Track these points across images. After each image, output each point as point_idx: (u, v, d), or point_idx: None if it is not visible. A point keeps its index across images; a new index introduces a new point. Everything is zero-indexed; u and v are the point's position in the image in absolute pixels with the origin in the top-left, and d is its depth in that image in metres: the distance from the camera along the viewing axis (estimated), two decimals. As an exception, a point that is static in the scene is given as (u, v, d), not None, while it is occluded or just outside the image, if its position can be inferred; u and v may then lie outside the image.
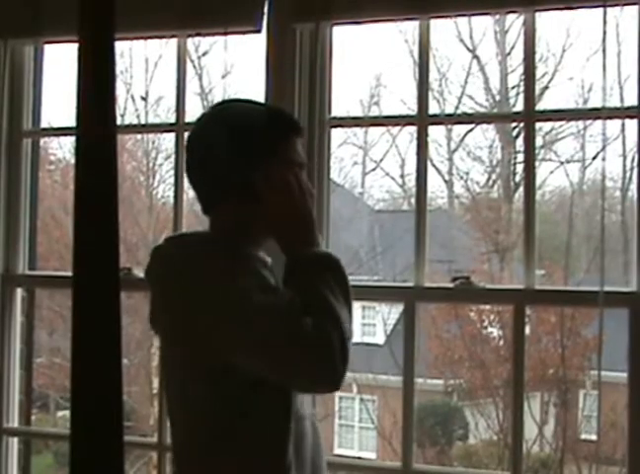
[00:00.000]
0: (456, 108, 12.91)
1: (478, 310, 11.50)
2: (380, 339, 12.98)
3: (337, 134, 13.56)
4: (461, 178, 13.59)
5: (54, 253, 10.48)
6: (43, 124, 3.32)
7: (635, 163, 8.83)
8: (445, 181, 13.73)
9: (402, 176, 14.12)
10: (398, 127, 12.63)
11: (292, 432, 1.80)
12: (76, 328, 0.85)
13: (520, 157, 11.44)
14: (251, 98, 2.00)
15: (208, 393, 1.77)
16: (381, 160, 14.10)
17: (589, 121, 11.57)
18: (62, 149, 13.04)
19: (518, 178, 12.37)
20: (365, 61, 14.89)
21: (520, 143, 11.95)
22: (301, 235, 1.83)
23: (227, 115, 1.91)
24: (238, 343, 1.72)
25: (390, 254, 12.27)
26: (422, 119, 2.70)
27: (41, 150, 7.12)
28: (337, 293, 1.76)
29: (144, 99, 12.45)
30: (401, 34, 13.27)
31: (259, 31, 2.75)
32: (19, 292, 3.19)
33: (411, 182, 13.14)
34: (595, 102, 11.89)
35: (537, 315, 10.94)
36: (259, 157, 1.84)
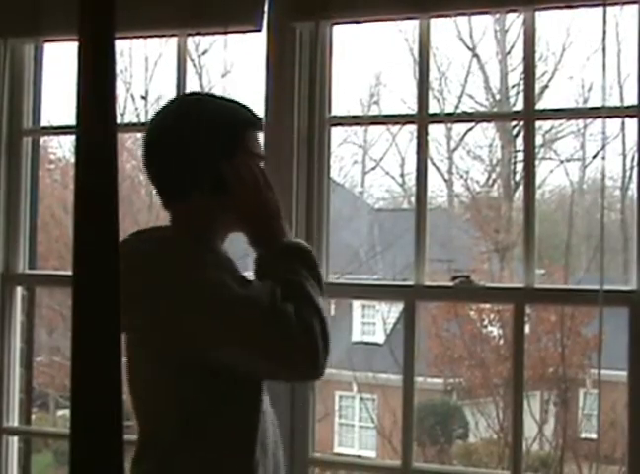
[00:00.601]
0: (456, 107, 12.93)
1: (478, 309, 11.50)
2: (380, 338, 12.99)
3: (337, 133, 13.59)
4: (461, 177, 13.62)
5: (54, 252, 10.48)
6: (43, 123, 3.31)
7: (635, 162, 8.84)
8: (445, 180, 13.75)
9: (402, 175, 14.15)
10: (398, 126, 12.63)
11: (259, 428, 1.80)
12: (76, 327, 0.85)
13: (520, 156, 11.43)
14: (209, 92, 2.00)
15: (179, 391, 1.76)
16: (381, 159, 14.13)
17: (589, 120, 11.60)
18: (62, 148, 13.06)
19: (517, 177, 12.38)
20: (365, 60, 14.91)
21: (519, 142, 11.96)
22: (271, 227, 1.85)
23: (192, 107, 1.90)
24: (225, 339, 1.71)
25: (390, 253, 12.28)
26: (422, 118, 2.70)
27: (41, 149, 7.11)
28: (312, 283, 1.78)
29: (144, 98, 12.47)
30: (401, 32, 13.30)
31: (259, 30, 2.75)
32: (19, 291, 3.19)
33: (411, 181, 13.15)
34: (594, 101, 11.90)
35: (537, 314, 10.95)
36: (227, 150, 1.85)
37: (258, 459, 1.79)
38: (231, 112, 1.90)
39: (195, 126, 1.84)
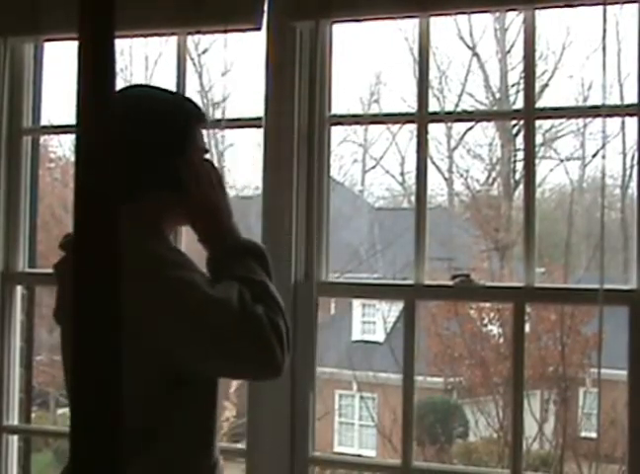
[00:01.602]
0: (456, 105, 12.93)
1: (478, 308, 11.51)
2: (380, 336, 12.99)
3: (337, 132, 13.57)
4: (461, 176, 13.62)
5: (54, 251, 10.44)
6: (43, 122, 3.31)
7: (635, 161, 8.84)
8: (445, 178, 13.75)
9: (402, 174, 14.15)
10: (398, 125, 12.63)
11: (217, 429, 1.80)
12: (76, 326, 0.85)
13: (520, 155, 11.42)
14: (156, 84, 1.97)
15: (137, 392, 1.68)
16: (381, 158, 14.13)
17: (589, 119, 11.60)
18: (62, 147, 13.06)
19: (517, 175, 12.39)
20: (365, 59, 14.91)
21: (519, 141, 11.96)
22: (225, 224, 1.83)
23: (142, 101, 1.86)
24: (195, 339, 1.68)
25: (390, 252, 12.28)
26: (422, 117, 2.70)
27: (41, 148, 7.11)
28: (270, 281, 1.77)
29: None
30: (401, 31, 13.31)
31: (259, 29, 2.75)
32: (19, 290, 3.19)
33: (411, 179, 13.14)
34: (595, 99, 11.90)
35: (537, 313, 10.95)
36: (178, 146, 1.82)
37: (217, 459, 1.80)
38: (178, 107, 1.88)
39: (143, 124, 1.80)
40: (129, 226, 1.79)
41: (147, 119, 1.82)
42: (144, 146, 1.79)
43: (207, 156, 1.94)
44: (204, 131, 1.97)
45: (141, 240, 1.76)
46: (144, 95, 1.92)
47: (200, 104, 1.96)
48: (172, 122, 1.84)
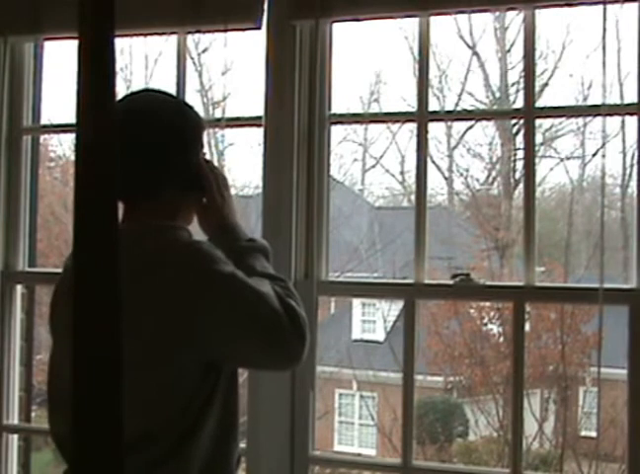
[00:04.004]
0: (456, 104, 12.93)
1: (478, 307, 11.51)
2: (380, 335, 12.99)
3: (337, 131, 13.64)
4: (461, 175, 13.61)
5: (54, 250, 10.48)
6: (43, 121, 3.31)
7: (635, 160, 8.83)
8: (445, 178, 13.74)
9: (402, 173, 14.14)
10: (398, 124, 12.66)
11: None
12: (76, 325, 0.85)
13: (520, 154, 11.45)
14: (160, 89, 2.01)
15: (175, 383, 1.73)
16: (381, 157, 14.13)
17: (589, 118, 11.60)
18: (62, 146, 13.06)
19: (517, 175, 12.39)
20: (365, 58, 14.92)
21: (519, 140, 11.97)
22: (236, 223, 1.93)
23: (159, 103, 1.91)
24: (244, 330, 1.73)
25: (390, 251, 12.28)
26: (422, 116, 2.70)
27: (41, 147, 7.11)
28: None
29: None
30: (401, 30, 13.33)
31: (259, 28, 2.75)
32: (19, 289, 3.19)
33: (411, 178, 13.15)
34: (594, 99, 11.89)
35: (537, 312, 10.95)
36: (193, 146, 1.91)
37: (234, 466, 1.83)
38: (190, 111, 1.95)
39: (160, 126, 1.85)
40: (151, 221, 1.83)
41: (164, 121, 1.87)
42: (161, 147, 1.84)
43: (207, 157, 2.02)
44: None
45: (173, 233, 1.83)
46: (160, 99, 1.95)
47: (199, 103, 2.00)
48: (187, 125, 1.90)
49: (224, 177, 1.97)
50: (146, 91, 2.03)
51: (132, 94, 1.95)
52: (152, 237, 1.81)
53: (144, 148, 1.83)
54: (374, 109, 13.45)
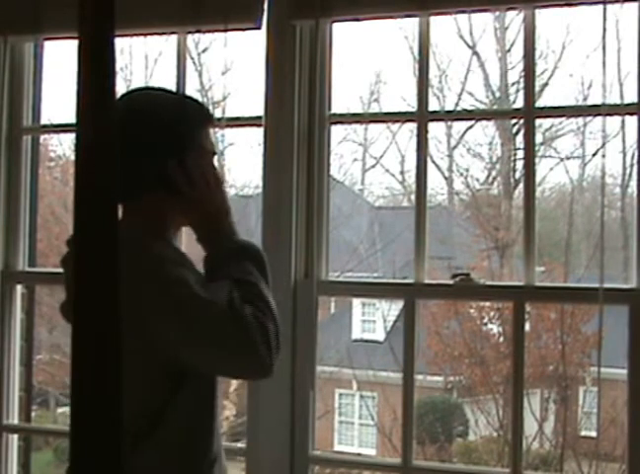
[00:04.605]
0: (456, 104, 12.92)
1: (478, 307, 11.51)
2: (380, 335, 12.99)
3: (337, 131, 13.64)
4: (461, 174, 13.60)
5: (54, 249, 10.47)
6: (43, 121, 3.31)
7: (635, 160, 8.83)
8: (445, 177, 13.73)
9: (402, 172, 14.14)
10: (398, 124, 12.66)
11: (216, 426, 1.82)
12: (76, 324, 0.85)
13: (520, 154, 11.45)
14: (163, 86, 1.99)
15: (139, 381, 1.71)
16: (381, 157, 14.13)
17: (589, 118, 11.61)
18: (62, 146, 13.06)
19: (517, 174, 12.38)
20: (365, 58, 14.92)
21: (519, 140, 11.96)
22: (220, 225, 1.85)
23: (143, 103, 1.89)
24: (182, 337, 1.71)
25: (390, 250, 12.28)
26: (422, 116, 2.70)
27: (41, 147, 7.12)
28: (263, 282, 1.79)
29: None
30: (401, 30, 13.32)
31: (259, 27, 2.75)
32: (19, 289, 3.19)
33: (411, 178, 13.14)
34: (594, 98, 11.88)
35: (537, 312, 10.95)
36: (176, 148, 1.84)
37: (217, 455, 1.82)
38: (179, 109, 1.89)
39: (147, 123, 1.82)
40: (128, 224, 1.80)
41: (141, 121, 1.83)
42: (138, 147, 1.81)
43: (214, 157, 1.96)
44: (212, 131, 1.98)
45: (139, 238, 1.78)
46: (142, 97, 1.94)
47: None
48: (166, 124, 1.85)
49: (218, 176, 1.90)
50: (138, 89, 2.01)
51: (127, 93, 1.93)
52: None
53: (124, 149, 1.82)
54: (374, 109, 13.45)
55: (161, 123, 1.84)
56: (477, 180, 13.51)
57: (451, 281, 2.64)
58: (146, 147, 1.81)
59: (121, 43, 10.32)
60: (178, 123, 1.86)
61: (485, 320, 11.79)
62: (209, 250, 1.84)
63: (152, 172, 1.82)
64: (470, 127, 13.10)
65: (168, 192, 1.84)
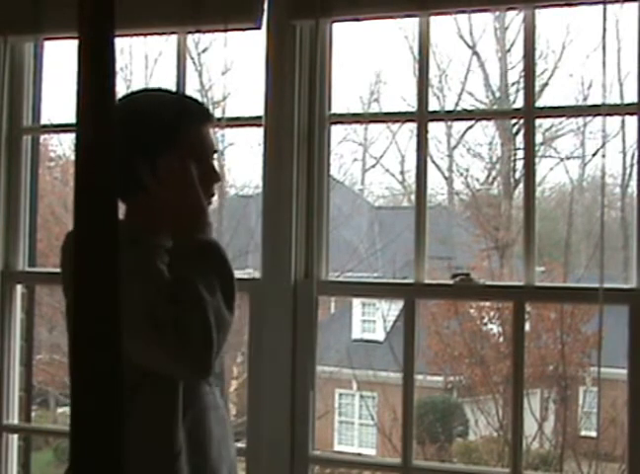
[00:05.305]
0: (456, 104, 12.92)
1: (478, 307, 11.51)
2: (380, 335, 12.99)
3: (337, 131, 13.63)
4: (461, 174, 13.60)
5: (54, 249, 10.45)
6: (43, 121, 3.31)
7: (635, 160, 8.83)
8: (445, 177, 13.73)
9: (402, 172, 14.14)
10: (398, 124, 12.65)
11: (185, 419, 1.82)
12: (75, 324, 0.85)
13: (520, 154, 11.45)
14: (165, 87, 1.98)
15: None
16: (381, 157, 14.13)
17: (589, 118, 11.60)
18: (62, 146, 13.06)
19: (517, 174, 12.38)
20: (365, 58, 14.92)
21: (519, 140, 11.96)
22: (186, 225, 1.83)
23: (129, 105, 1.88)
24: (127, 329, 1.72)
25: (390, 250, 12.28)
26: (422, 116, 2.70)
27: (41, 147, 7.12)
28: (212, 281, 1.75)
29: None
30: (401, 30, 13.32)
31: (259, 27, 2.75)
32: (19, 289, 3.19)
33: (411, 178, 13.14)
34: (594, 98, 11.88)
35: (537, 312, 10.95)
36: (153, 148, 1.84)
37: (180, 448, 1.81)
38: (165, 108, 1.88)
39: (129, 125, 1.81)
40: (124, 220, 1.83)
41: (128, 121, 1.82)
42: (124, 147, 1.80)
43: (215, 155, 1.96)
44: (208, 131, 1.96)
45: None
46: (138, 96, 1.94)
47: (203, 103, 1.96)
48: (150, 124, 1.85)
49: (191, 175, 1.86)
50: (139, 91, 2.02)
51: (129, 94, 1.94)
52: None
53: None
54: (374, 109, 13.45)
55: (141, 124, 1.84)
56: (477, 180, 13.51)
57: (451, 281, 2.64)
58: (128, 148, 1.81)
59: (121, 43, 10.32)
60: (158, 123, 1.85)
61: (485, 320, 11.79)
62: (172, 248, 1.84)
63: (129, 173, 1.82)
64: (470, 127, 13.11)
65: (143, 191, 1.85)
